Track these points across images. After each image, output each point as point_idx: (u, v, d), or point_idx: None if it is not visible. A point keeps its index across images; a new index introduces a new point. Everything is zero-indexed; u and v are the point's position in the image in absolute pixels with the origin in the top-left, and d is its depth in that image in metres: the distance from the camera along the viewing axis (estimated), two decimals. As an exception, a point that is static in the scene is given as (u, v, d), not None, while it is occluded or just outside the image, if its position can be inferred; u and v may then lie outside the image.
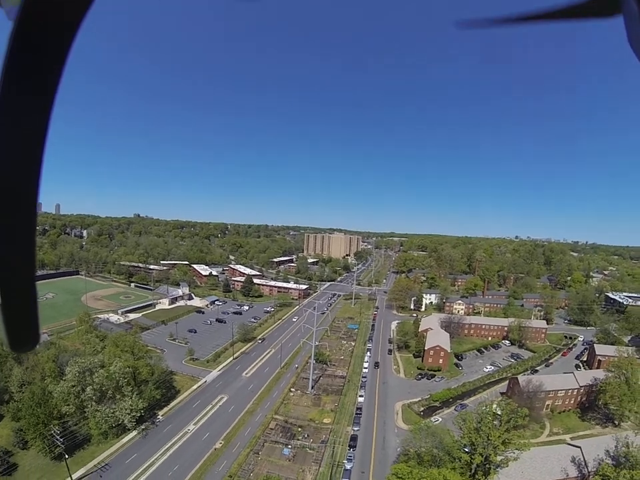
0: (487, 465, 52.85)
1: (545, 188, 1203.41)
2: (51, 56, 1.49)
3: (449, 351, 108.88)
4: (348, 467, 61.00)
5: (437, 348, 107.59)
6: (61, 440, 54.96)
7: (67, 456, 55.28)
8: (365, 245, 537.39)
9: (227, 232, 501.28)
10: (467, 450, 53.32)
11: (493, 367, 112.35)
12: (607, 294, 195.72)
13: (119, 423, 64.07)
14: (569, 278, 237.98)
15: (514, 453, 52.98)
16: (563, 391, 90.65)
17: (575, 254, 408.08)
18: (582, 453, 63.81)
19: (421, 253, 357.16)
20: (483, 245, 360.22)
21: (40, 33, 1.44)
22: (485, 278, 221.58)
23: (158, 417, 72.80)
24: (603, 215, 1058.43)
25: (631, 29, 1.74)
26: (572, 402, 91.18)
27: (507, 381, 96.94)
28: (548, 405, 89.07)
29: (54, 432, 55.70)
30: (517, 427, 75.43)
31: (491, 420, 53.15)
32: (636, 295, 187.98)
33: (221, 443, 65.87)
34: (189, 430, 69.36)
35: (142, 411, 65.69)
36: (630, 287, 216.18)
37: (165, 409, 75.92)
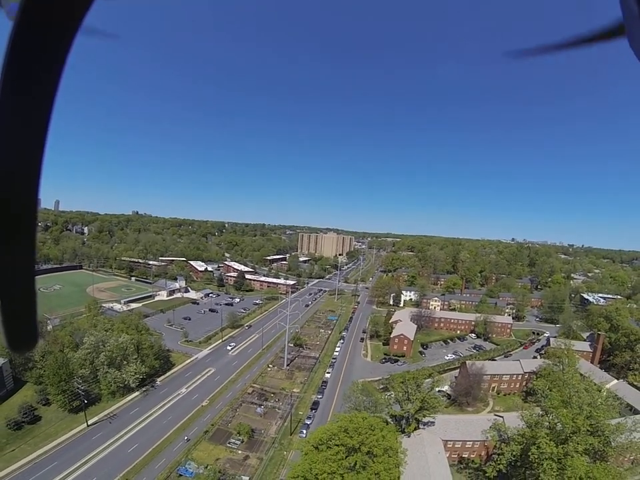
0: (410, 420, 68.27)
1: (543, 192, 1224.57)
2: (51, 55, 1.51)
3: (411, 339, 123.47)
4: (307, 422, 76.51)
5: (402, 336, 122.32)
6: (82, 389, 70.19)
7: (85, 401, 70.94)
8: (359, 245, 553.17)
9: (224, 230, 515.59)
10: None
11: (454, 356, 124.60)
12: (582, 294, 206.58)
13: (125, 384, 79.65)
14: (549, 279, 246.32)
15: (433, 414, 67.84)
16: (508, 376, 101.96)
17: (565, 256, 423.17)
18: (504, 422, 78.36)
19: (409, 253, 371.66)
20: (469, 246, 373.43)
21: (40, 33, 1.45)
22: (465, 277, 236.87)
23: (156, 382, 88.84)
24: (600, 219, 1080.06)
25: (631, 29, 1.76)
26: (517, 386, 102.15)
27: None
28: (494, 387, 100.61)
29: (76, 384, 70.91)
30: (461, 404, 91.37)
31: (413, 383, 68.37)
32: (610, 297, 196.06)
33: (206, 402, 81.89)
34: (181, 392, 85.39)
35: (144, 375, 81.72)
36: (609, 288, 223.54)
37: (162, 377, 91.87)
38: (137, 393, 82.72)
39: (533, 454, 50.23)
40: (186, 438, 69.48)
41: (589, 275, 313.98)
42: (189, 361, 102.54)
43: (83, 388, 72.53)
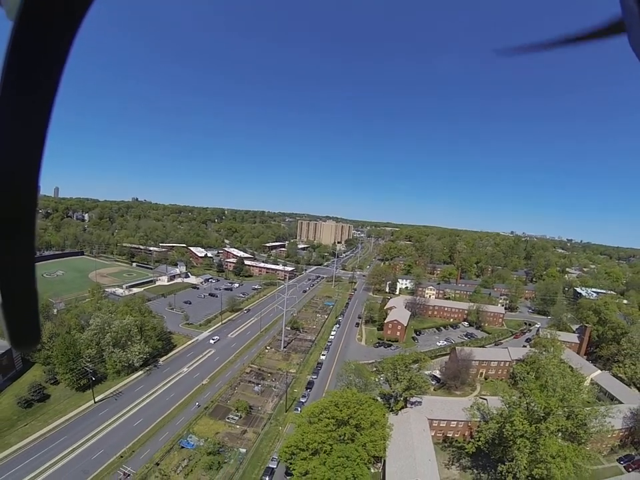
0: (398, 398, 72.60)
1: (544, 186, 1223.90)
2: (52, 54, 1.50)
3: (405, 325, 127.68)
4: (302, 400, 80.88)
5: (395, 322, 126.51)
6: (90, 367, 74.26)
7: (93, 378, 75.14)
8: (358, 234, 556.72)
9: (223, 217, 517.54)
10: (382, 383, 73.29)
11: (446, 342, 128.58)
12: (576, 288, 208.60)
13: (130, 363, 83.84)
14: (544, 272, 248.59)
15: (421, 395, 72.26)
16: (496, 362, 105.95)
17: (563, 251, 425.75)
18: (487, 403, 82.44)
19: (407, 242, 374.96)
20: (466, 237, 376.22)
21: (40, 33, 1.45)
22: (461, 267, 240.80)
23: (159, 362, 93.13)
24: (600, 216, 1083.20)
25: (631, 29, 1.75)
26: (504, 372, 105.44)
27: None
28: (482, 372, 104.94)
29: (84, 363, 74.98)
30: (450, 387, 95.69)
31: (402, 364, 72.46)
32: (603, 292, 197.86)
33: (207, 381, 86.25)
34: (182, 371, 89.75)
35: (147, 355, 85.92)
36: (603, 283, 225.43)
37: (165, 357, 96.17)
38: (140, 372, 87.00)
39: (507, 430, 54.29)
40: (197, 404, 76.61)
41: (585, 269, 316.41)
42: (189, 342, 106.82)
43: (90, 367, 76.62)
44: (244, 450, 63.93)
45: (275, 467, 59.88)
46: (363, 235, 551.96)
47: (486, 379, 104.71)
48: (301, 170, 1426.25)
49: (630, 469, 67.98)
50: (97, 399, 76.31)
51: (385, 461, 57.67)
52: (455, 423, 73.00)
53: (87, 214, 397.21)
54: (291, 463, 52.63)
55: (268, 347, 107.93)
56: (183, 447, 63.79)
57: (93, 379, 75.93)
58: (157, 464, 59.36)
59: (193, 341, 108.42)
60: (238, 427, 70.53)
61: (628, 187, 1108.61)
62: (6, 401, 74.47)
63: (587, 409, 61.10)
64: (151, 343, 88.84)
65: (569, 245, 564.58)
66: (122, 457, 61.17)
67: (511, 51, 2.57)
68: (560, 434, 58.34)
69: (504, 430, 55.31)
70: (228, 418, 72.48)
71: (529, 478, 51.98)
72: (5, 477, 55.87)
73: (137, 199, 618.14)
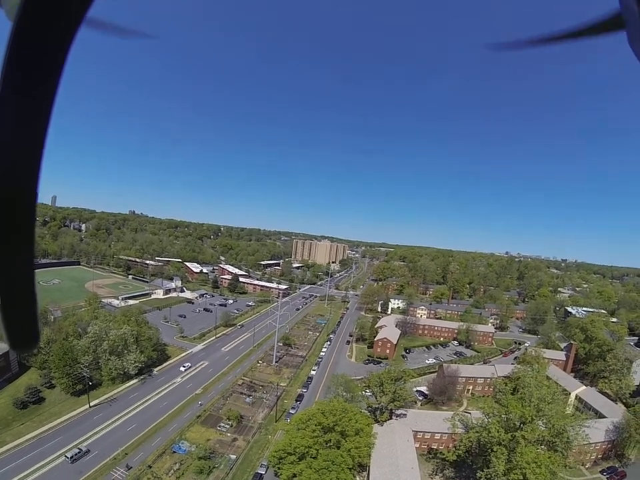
0: (384, 410, 75.60)
1: (538, 206, 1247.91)
2: (52, 55, 1.50)
3: (394, 343, 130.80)
4: (292, 411, 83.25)
5: (385, 340, 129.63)
6: (87, 372, 76.76)
7: (90, 383, 77.56)
8: (353, 254, 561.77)
9: (219, 234, 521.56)
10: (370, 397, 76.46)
11: (435, 360, 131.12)
12: (567, 308, 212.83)
13: (125, 371, 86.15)
14: (536, 292, 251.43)
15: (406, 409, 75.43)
16: (482, 379, 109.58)
17: (557, 271, 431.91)
18: (471, 417, 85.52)
19: (401, 263, 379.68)
20: (459, 258, 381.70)
21: (40, 33, 1.45)
22: (454, 288, 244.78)
23: (153, 371, 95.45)
24: (595, 235, 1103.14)
25: (631, 29, 1.75)
26: (490, 389, 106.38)
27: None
28: (469, 389, 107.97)
29: (81, 368, 77.48)
30: (437, 403, 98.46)
31: (388, 378, 75.87)
32: (593, 310, 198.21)
33: (200, 391, 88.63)
34: (176, 381, 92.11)
35: (142, 364, 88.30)
36: (594, 302, 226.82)
37: (159, 367, 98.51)
38: (135, 380, 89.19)
39: (484, 438, 57.65)
40: (200, 403, 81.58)
41: (577, 289, 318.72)
42: (183, 354, 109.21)
43: (87, 372, 79.04)
44: (234, 456, 66.18)
45: (263, 472, 62.18)
46: (357, 255, 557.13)
47: (473, 395, 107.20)
48: (298, 189, 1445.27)
49: (612, 480, 70.70)
50: (91, 404, 78.36)
51: (369, 467, 60.35)
52: (439, 435, 75.81)
53: (84, 224, 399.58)
54: (279, 468, 55.33)
55: (260, 361, 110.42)
56: (175, 452, 65.94)
57: (90, 383, 78.29)
58: (150, 466, 61.49)
59: (187, 353, 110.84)
60: (229, 434, 72.80)
61: (622, 206, 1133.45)
62: (2, 401, 76.35)
63: (564, 420, 64.54)
64: (146, 353, 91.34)
65: (563, 264, 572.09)
66: (115, 459, 63.24)
67: (504, 47, 2.53)
68: (540, 445, 61.61)
69: (481, 438, 58.53)
70: (219, 426, 74.71)
71: (506, 484, 54.98)
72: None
73: (133, 211, 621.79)
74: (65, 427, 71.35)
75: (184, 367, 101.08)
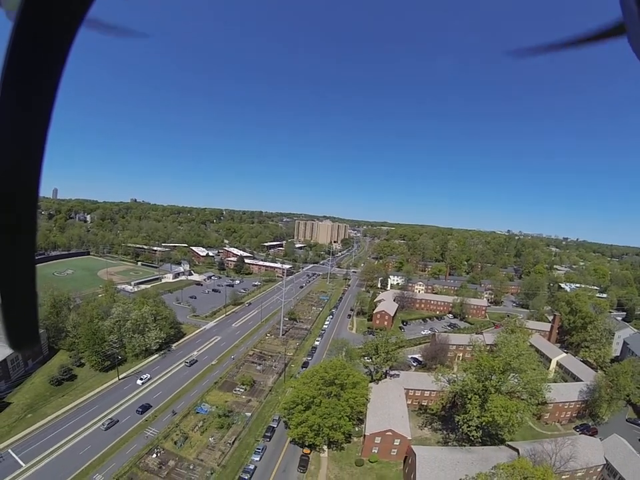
0: (378, 369, 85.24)
1: (541, 185, 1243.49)
2: (52, 54, 1.51)
3: (392, 315, 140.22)
4: (298, 376, 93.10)
5: (383, 312, 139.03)
6: (115, 348, 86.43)
7: (119, 357, 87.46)
8: (354, 233, 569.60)
9: (222, 218, 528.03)
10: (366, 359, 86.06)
11: (429, 332, 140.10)
12: (560, 284, 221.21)
13: (147, 347, 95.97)
14: (532, 269, 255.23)
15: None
16: (471, 347, 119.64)
17: (556, 249, 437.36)
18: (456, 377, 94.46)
19: (401, 241, 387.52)
20: (458, 236, 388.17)
21: (40, 33, 1.46)
22: (451, 265, 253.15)
23: (172, 347, 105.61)
24: (597, 214, 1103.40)
25: (631, 29, 1.76)
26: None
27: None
28: (459, 356, 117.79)
29: (109, 346, 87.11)
30: (429, 368, 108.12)
31: (382, 340, 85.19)
32: (585, 286, 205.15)
33: (215, 362, 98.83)
34: (193, 354, 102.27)
35: (162, 340, 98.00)
36: (588, 280, 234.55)
37: (176, 343, 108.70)
38: (156, 355, 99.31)
39: (461, 388, 67.05)
40: (232, 357, 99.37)
41: (574, 267, 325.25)
42: (197, 331, 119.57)
43: (114, 349, 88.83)
44: (249, 414, 76.29)
45: (275, 426, 72.50)
46: (359, 235, 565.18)
47: (463, 361, 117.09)
48: (299, 170, 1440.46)
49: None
50: (120, 377, 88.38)
51: (365, 416, 70.20)
52: (428, 392, 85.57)
53: (88, 215, 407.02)
54: (289, 418, 65.15)
55: (268, 334, 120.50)
56: (198, 412, 76.07)
57: (119, 358, 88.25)
58: (177, 425, 71.51)
59: (200, 329, 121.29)
60: (244, 397, 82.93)
61: (625, 186, 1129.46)
62: (38, 380, 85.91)
63: (530, 372, 73.33)
64: (165, 330, 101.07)
65: (563, 243, 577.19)
66: (147, 420, 73.28)
67: (512, 54, 2.70)
68: (511, 397, 70.81)
69: (460, 390, 67.97)
70: (235, 390, 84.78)
71: (479, 426, 64.62)
72: (49, 437, 67.45)
73: (135, 199, 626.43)
74: (99, 397, 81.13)
75: (141, 379, 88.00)
